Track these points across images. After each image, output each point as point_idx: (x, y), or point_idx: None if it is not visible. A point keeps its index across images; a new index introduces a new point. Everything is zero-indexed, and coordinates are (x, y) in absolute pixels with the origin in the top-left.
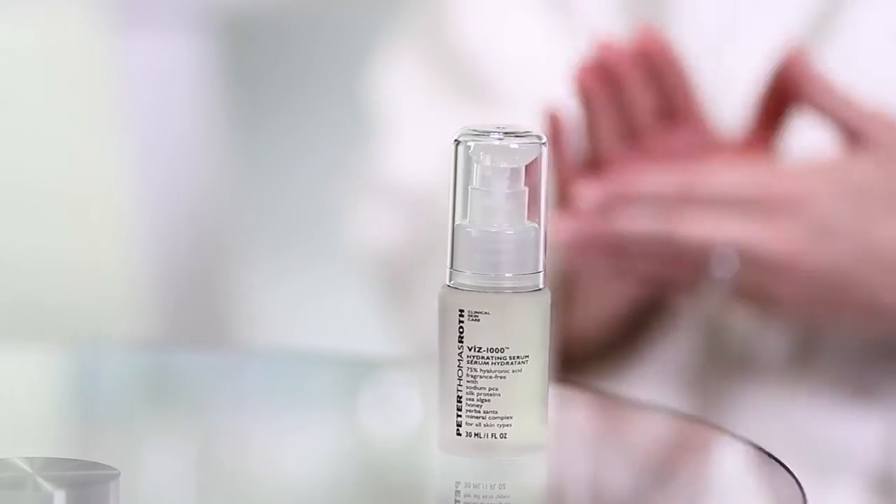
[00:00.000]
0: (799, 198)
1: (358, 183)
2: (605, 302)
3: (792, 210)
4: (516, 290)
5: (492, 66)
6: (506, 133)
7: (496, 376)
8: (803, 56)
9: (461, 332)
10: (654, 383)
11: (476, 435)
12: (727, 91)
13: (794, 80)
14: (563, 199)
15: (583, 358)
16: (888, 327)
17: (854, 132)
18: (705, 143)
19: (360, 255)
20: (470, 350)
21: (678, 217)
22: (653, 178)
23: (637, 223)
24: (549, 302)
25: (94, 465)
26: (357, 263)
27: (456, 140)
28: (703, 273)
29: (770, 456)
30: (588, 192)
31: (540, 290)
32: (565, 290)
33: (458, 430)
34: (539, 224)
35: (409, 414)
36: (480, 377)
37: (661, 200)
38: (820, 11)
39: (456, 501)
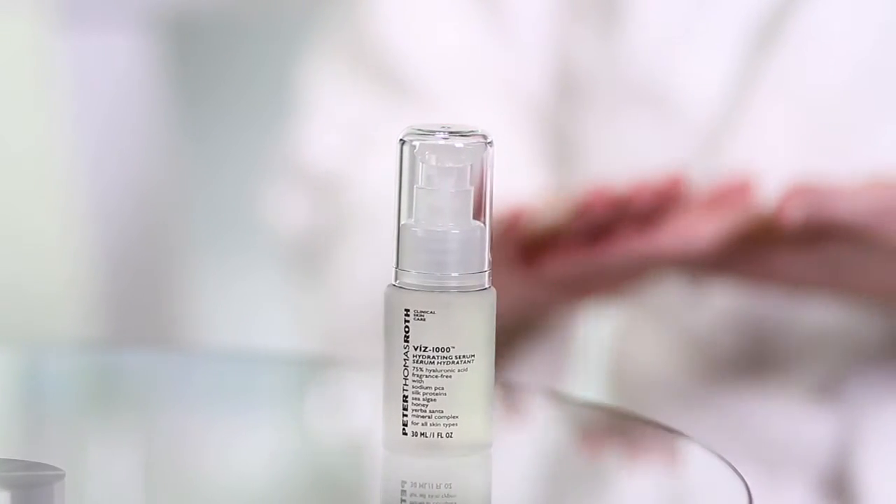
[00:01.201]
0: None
1: (273, 171)
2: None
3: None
4: (462, 290)
5: (410, 59)
6: (451, 132)
7: (442, 376)
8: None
9: (407, 332)
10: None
11: (422, 434)
12: (678, 90)
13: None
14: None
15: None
16: None
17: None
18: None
19: (275, 241)
20: (416, 349)
21: None
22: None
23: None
24: (494, 301)
25: (40, 465)
26: (273, 249)
27: (401, 139)
28: None
29: (717, 455)
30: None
31: (486, 289)
32: None
33: (404, 429)
34: (484, 223)
35: (354, 413)
36: (426, 377)
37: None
38: (773, 11)
39: (402, 501)
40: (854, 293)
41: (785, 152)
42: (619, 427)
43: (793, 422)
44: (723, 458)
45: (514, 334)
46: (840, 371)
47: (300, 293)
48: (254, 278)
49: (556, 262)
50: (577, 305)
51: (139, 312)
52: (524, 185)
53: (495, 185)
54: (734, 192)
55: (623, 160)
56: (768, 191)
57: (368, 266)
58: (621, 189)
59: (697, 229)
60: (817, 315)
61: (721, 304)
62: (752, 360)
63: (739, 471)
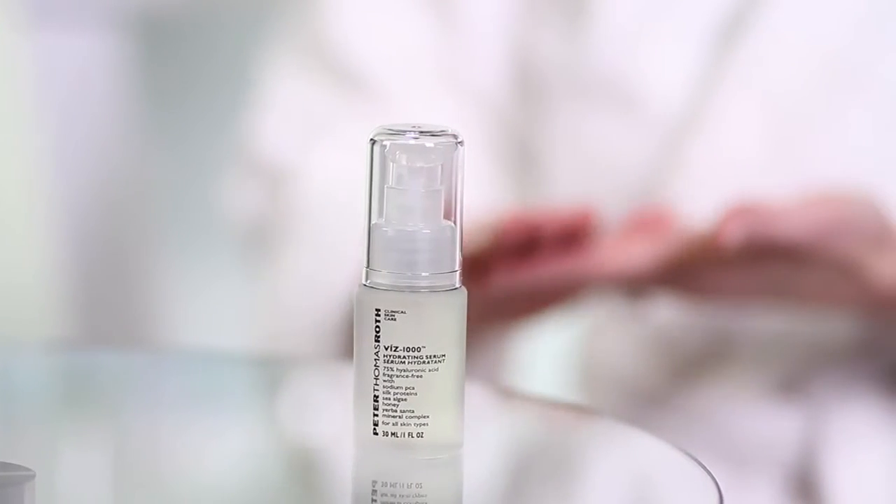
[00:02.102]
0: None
1: (228, 162)
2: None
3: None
4: (433, 290)
5: (365, 56)
6: (421, 132)
7: (413, 375)
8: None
9: (377, 332)
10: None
11: (393, 434)
12: (641, 88)
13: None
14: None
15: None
16: None
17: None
18: None
19: (231, 235)
20: (386, 349)
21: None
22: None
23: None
24: (465, 301)
25: (9, 465)
26: (232, 244)
27: (371, 139)
28: None
29: (687, 454)
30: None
31: (456, 288)
32: None
33: (374, 429)
34: (455, 223)
35: (325, 413)
36: (397, 376)
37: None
38: (735, 9)
39: (373, 501)
40: (793, 304)
41: (747, 152)
42: (589, 426)
43: (757, 420)
44: (693, 458)
45: None
46: (803, 370)
47: (247, 288)
48: (219, 275)
49: (484, 284)
50: (507, 328)
51: (108, 312)
52: (484, 188)
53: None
54: (654, 223)
55: (585, 161)
56: (708, 209)
57: (310, 263)
58: (535, 217)
59: (631, 251)
60: (777, 316)
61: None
62: (716, 359)
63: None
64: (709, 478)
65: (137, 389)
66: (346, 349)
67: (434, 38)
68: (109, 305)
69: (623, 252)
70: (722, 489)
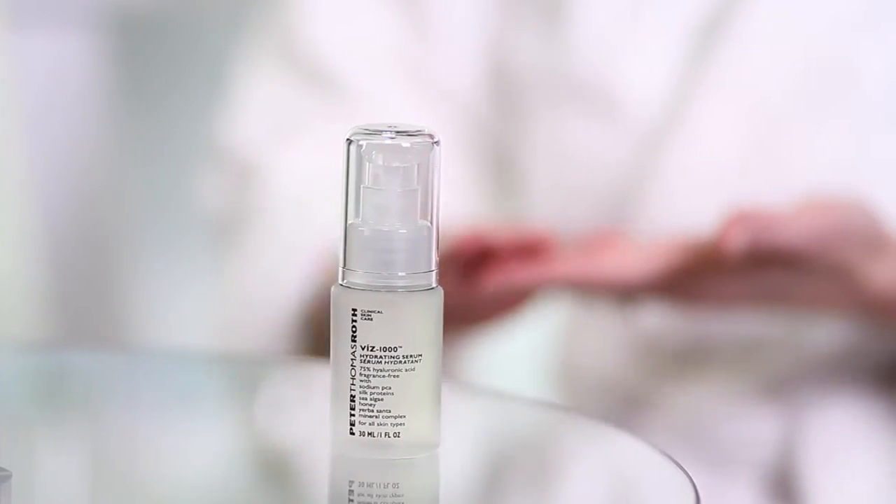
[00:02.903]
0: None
1: (202, 159)
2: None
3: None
4: (409, 289)
5: (336, 55)
6: (398, 132)
7: (389, 375)
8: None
9: (354, 332)
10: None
11: (369, 434)
12: (618, 97)
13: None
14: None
15: None
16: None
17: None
18: None
19: (203, 227)
20: (363, 349)
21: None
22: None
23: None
24: (441, 300)
25: None
26: (202, 235)
27: (348, 139)
28: None
29: (664, 454)
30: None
31: (433, 288)
32: None
33: (351, 429)
34: (431, 223)
35: (301, 413)
36: (374, 376)
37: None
38: (714, 12)
39: (350, 501)
40: (788, 310)
41: (726, 156)
42: (566, 426)
43: (737, 421)
44: (670, 457)
45: None
46: (784, 372)
47: (211, 283)
48: (194, 274)
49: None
50: (461, 335)
51: (82, 312)
52: (457, 191)
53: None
54: (605, 243)
55: (563, 163)
56: (707, 214)
57: (269, 260)
58: (491, 238)
59: (630, 261)
60: (764, 320)
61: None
62: (697, 362)
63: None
64: (686, 478)
65: (112, 390)
66: (302, 346)
67: (406, 38)
68: (84, 305)
69: (623, 259)
70: (699, 490)
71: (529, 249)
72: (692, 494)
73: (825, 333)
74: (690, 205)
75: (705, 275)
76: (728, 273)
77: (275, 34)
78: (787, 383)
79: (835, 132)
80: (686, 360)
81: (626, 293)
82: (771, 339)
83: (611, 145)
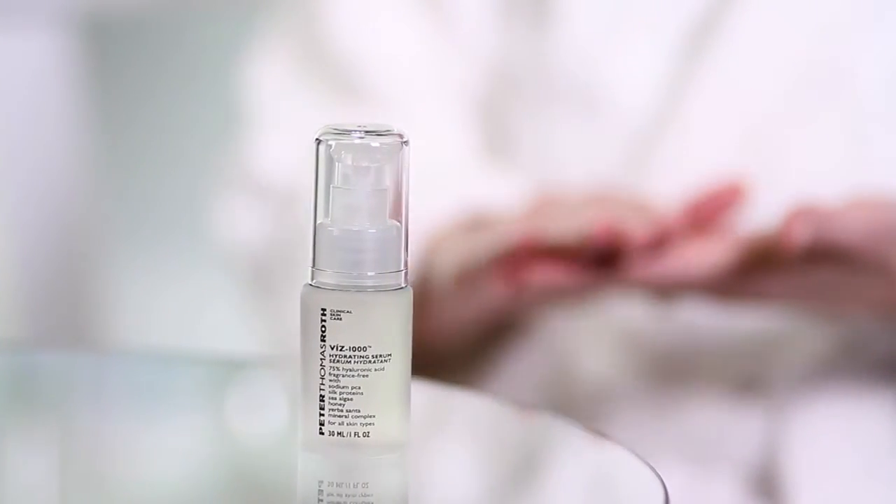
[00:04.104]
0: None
1: (224, 179)
2: (461, 308)
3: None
4: (378, 289)
5: (362, 64)
6: (367, 132)
7: (358, 375)
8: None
9: (323, 331)
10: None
11: (339, 434)
12: (608, 96)
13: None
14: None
15: (434, 363)
16: None
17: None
18: None
19: (225, 252)
20: (332, 349)
21: None
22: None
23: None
24: (411, 300)
25: None
26: (223, 260)
27: (317, 139)
28: None
29: (635, 454)
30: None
31: (402, 288)
32: (422, 292)
33: (320, 429)
34: (401, 222)
35: (271, 413)
36: (343, 376)
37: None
38: (702, 15)
39: (319, 501)
40: (839, 310)
41: (717, 155)
42: (538, 426)
43: (720, 420)
44: (642, 458)
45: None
46: (767, 370)
47: (247, 305)
48: (177, 280)
49: (550, 276)
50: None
51: (54, 313)
52: (477, 185)
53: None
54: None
55: (561, 160)
56: (760, 210)
57: None
58: (624, 227)
59: (701, 256)
60: (747, 319)
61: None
62: (681, 361)
63: (664, 469)
64: (655, 477)
65: (83, 390)
66: None
67: (430, 44)
68: (56, 307)
69: (696, 255)
70: (668, 490)
71: (660, 241)
72: (661, 494)
73: (822, 331)
74: (679, 204)
75: (762, 271)
76: (782, 270)
77: (290, 33)
78: (772, 382)
79: (827, 133)
80: (672, 359)
81: (679, 289)
82: (762, 338)
83: (600, 146)
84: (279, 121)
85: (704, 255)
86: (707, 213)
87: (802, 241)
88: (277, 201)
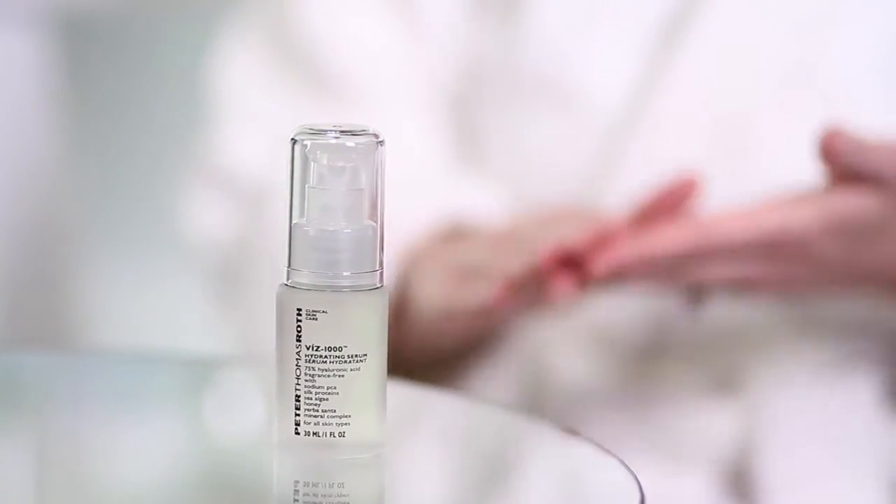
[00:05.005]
0: (797, 239)
1: (197, 176)
2: (440, 332)
3: (791, 251)
4: (354, 289)
5: (334, 61)
6: (342, 132)
7: (334, 375)
8: (839, 134)
9: (299, 331)
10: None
11: (315, 434)
12: (580, 92)
13: (835, 157)
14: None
15: (415, 365)
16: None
17: (881, 178)
18: None
19: (195, 248)
20: (308, 349)
21: (688, 272)
22: (671, 240)
23: (672, 238)
24: (387, 300)
25: None
26: (192, 256)
27: (293, 139)
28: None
29: (611, 454)
30: (604, 260)
31: (378, 288)
32: (401, 295)
33: (296, 429)
34: (377, 222)
35: (247, 413)
36: (318, 376)
37: (676, 258)
38: (673, 11)
39: (295, 501)
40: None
41: (689, 151)
42: (513, 425)
43: (694, 415)
44: (616, 457)
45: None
46: (741, 364)
47: (219, 304)
48: (149, 280)
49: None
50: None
51: (30, 313)
52: (449, 185)
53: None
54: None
55: (533, 156)
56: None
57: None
58: (568, 244)
59: (737, 223)
60: (719, 310)
61: (623, 302)
62: (654, 355)
63: (640, 467)
64: (632, 478)
65: (58, 391)
66: None
67: (402, 41)
68: (29, 307)
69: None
70: (646, 489)
71: (605, 240)
72: (637, 494)
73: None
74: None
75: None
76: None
77: (261, 32)
78: (745, 378)
79: (796, 130)
80: (646, 354)
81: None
82: (732, 327)
83: (572, 141)
84: (250, 117)
85: (659, 241)
86: (663, 209)
87: (843, 157)
88: (249, 198)
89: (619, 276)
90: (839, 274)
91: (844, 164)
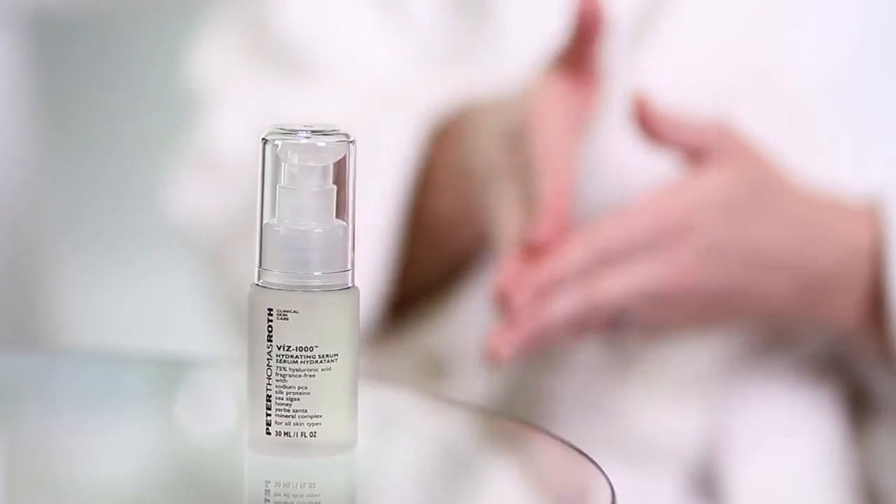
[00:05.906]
0: (682, 226)
1: (179, 163)
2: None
3: (678, 240)
4: (325, 289)
5: (315, 50)
6: (313, 131)
7: (305, 375)
8: (646, 101)
9: (270, 331)
10: (473, 381)
11: (286, 434)
12: None
13: (641, 124)
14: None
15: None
16: (776, 319)
17: (697, 151)
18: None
19: (180, 236)
20: (279, 349)
21: (592, 283)
22: (565, 259)
23: (562, 306)
24: (358, 300)
25: None
26: (179, 244)
27: (263, 139)
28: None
29: (580, 452)
30: (517, 297)
31: (349, 287)
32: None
33: (267, 429)
34: (347, 222)
35: (218, 413)
36: (290, 376)
37: (580, 274)
38: (638, 15)
39: (266, 501)
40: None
41: (652, 155)
42: (485, 425)
43: (661, 418)
44: (587, 457)
45: None
46: (708, 368)
47: (205, 293)
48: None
49: None
50: None
51: (10, 315)
52: None
53: None
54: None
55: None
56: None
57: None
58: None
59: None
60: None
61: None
62: (622, 359)
63: (607, 468)
64: (602, 477)
65: (29, 391)
66: None
67: (384, 31)
68: (8, 307)
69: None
70: (615, 489)
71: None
72: (608, 493)
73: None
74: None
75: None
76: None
77: (244, 18)
78: (710, 377)
79: (765, 135)
80: (606, 353)
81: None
82: (695, 335)
83: None
84: (231, 107)
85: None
86: (577, 46)
87: (654, 124)
88: (231, 188)
89: (540, 343)
90: (736, 255)
91: (656, 133)
